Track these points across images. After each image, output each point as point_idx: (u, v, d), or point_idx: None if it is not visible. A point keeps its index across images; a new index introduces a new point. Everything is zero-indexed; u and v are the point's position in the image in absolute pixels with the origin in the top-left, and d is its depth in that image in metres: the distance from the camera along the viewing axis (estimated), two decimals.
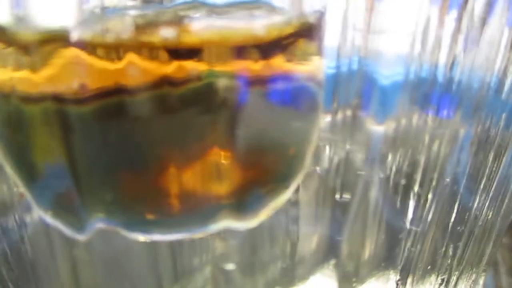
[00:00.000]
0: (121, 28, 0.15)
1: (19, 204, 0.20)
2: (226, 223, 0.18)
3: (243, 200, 0.18)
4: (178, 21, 0.15)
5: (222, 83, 0.15)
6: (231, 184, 0.17)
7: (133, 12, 0.16)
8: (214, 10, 0.15)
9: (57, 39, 0.14)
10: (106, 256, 0.21)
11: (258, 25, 0.15)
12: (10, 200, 0.20)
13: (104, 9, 0.15)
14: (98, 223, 0.17)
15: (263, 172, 0.19)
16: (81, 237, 0.18)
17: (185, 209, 0.17)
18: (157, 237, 0.18)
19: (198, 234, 0.18)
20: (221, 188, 0.17)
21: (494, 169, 0.24)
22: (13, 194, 0.20)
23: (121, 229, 0.18)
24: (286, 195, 0.20)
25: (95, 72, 0.15)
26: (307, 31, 0.17)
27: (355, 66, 0.20)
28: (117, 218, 0.17)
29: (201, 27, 0.15)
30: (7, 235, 0.20)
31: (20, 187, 0.18)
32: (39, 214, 0.19)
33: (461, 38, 0.20)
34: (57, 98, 0.15)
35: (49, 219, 0.18)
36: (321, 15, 0.18)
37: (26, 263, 0.21)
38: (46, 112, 0.15)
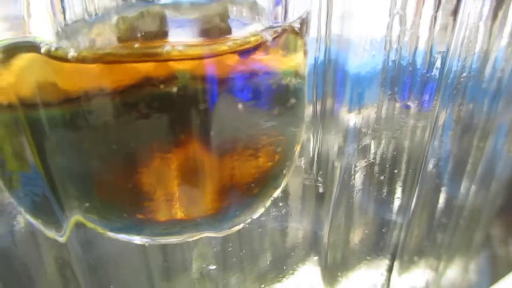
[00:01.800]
0: (104, 39, 0.15)
1: (8, 209, 0.20)
2: (207, 232, 0.18)
3: (225, 210, 0.18)
4: (159, 28, 0.15)
5: (194, 84, 0.15)
6: (212, 190, 0.17)
7: (114, 18, 0.15)
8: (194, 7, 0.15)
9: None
10: (97, 257, 0.21)
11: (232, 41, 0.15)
12: None
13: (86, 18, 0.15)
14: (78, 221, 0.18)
15: (249, 175, 0.18)
16: (61, 239, 0.18)
17: (165, 215, 0.17)
18: (138, 239, 0.18)
19: (180, 239, 0.18)
20: (202, 194, 0.17)
21: (478, 155, 0.24)
22: (1, 200, 0.20)
23: (102, 228, 0.18)
24: (273, 197, 0.20)
25: (67, 76, 0.14)
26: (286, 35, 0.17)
27: (329, 57, 0.20)
28: (96, 220, 0.17)
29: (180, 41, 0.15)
30: None
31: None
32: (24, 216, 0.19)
33: (438, 24, 0.20)
34: (27, 104, 0.15)
35: (31, 220, 0.18)
36: (303, 20, 0.17)
37: (16, 266, 0.21)
38: (16, 120, 0.15)
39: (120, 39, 0.15)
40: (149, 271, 0.23)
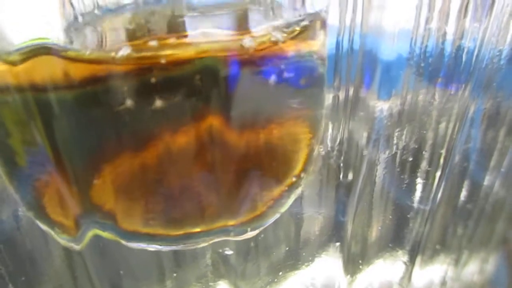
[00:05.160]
0: (112, 38, 0.14)
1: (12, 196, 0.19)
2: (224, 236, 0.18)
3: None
4: (172, 26, 0.14)
5: (213, 67, 0.14)
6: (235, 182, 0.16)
7: (127, 14, 0.15)
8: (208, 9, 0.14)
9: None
10: (104, 244, 0.21)
11: (249, 40, 0.14)
12: (3, 193, 0.19)
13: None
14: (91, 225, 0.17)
15: (274, 161, 0.17)
16: (77, 246, 0.17)
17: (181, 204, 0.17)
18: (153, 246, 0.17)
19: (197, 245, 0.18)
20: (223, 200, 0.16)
21: (505, 144, 0.23)
22: (6, 186, 0.19)
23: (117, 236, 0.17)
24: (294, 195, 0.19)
25: (79, 63, 0.14)
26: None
27: (356, 44, 0.19)
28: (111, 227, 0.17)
29: (194, 41, 0.14)
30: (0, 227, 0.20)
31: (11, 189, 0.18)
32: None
33: (470, 7, 0.19)
34: (38, 88, 0.14)
35: (41, 224, 0.17)
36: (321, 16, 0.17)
37: (21, 254, 0.21)
38: (26, 101, 0.14)
39: (133, 37, 0.14)
40: (159, 256, 0.22)
